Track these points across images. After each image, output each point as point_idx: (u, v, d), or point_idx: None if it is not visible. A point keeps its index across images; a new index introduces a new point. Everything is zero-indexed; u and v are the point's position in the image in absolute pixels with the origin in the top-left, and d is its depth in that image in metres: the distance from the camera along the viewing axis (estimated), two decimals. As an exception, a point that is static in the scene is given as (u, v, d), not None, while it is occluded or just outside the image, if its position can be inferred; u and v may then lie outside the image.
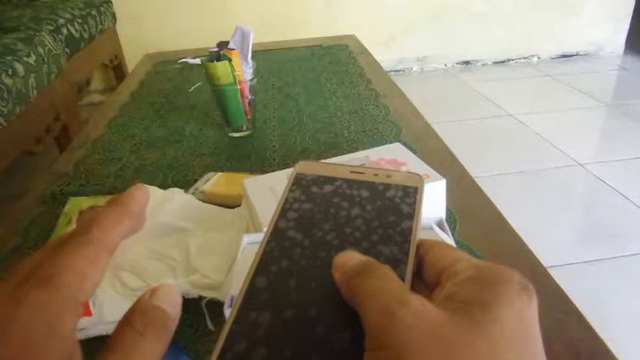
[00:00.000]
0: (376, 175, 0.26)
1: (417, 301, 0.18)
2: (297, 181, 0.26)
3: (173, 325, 0.20)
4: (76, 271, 0.19)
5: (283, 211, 0.25)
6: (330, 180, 0.26)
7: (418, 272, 0.22)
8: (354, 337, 0.19)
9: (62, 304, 0.18)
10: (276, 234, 0.23)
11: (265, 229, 0.24)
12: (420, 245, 0.22)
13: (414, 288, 0.20)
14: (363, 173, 0.26)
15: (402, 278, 0.20)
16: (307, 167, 0.27)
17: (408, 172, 0.26)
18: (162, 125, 0.97)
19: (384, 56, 2.62)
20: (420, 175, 0.25)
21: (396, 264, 0.21)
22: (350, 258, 0.21)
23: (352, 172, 0.26)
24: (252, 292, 0.21)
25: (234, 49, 0.82)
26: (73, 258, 0.19)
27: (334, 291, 0.20)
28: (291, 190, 0.26)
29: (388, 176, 0.26)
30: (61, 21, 1.73)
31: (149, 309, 0.20)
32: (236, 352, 0.18)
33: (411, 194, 0.25)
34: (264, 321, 0.19)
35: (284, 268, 0.22)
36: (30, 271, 0.19)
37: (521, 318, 0.18)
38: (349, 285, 0.20)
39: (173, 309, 0.20)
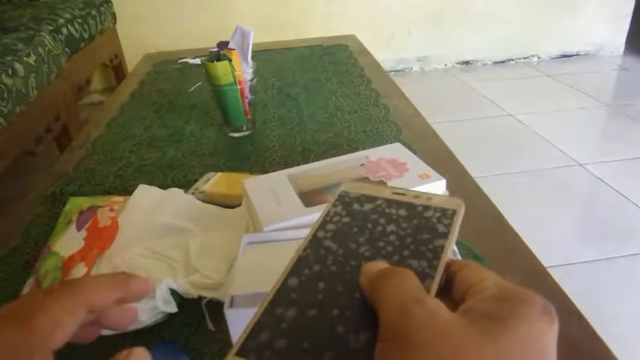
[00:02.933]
0: (417, 197, 0.27)
1: (432, 302, 0.19)
2: (341, 198, 0.28)
3: None
4: (51, 317, 0.20)
5: (323, 223, 0.26)
6: (371, 199, 0.28)
7: (448, 291, 0.22)
8: (369, 339, 0.20)
9: (32, 347, 0.19)
10: (314, 242, 0.25)
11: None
12: (452, 264, 0.23)
13: None
14: (404, 194, 0.28)
15: (427, 290, 0.21)
16: (352, 187, 0.29)
17: (448, 197, 0.27)
18: (162, 125, 0.97)
19: (384, 56, 2.62)
20: (461, 200, 0.27)
21: (423, 277, 0.22)
22: (377, 265, 0.22)
23: (394, 192, 0.28)
24: (283, 290, 0.22)
25: (234, 49, 0.82)
26: (52, 303, 0.20)
27: (359, 297, 0.22)
28: (333, 205, 0.28)
29: (428, 199, 0.27)
30: (61, 21, 1.73)
31: None
32: (259, 340, 0.20)
33: (448, 216, 0.26)
34: (289, 316, 0.21)
35: (315, 271, 0.23)
36: (14, 309, 0.20)
37: (539, 339, 0.18)
38: (372, 285, 0.21)
39: None
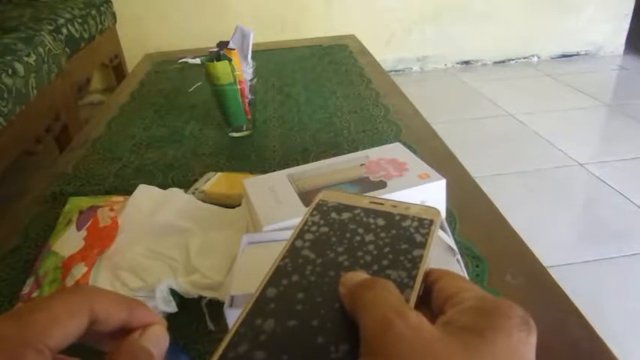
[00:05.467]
0: (395, 206, 0.27)
1: (414, 315, 0.19)
2: (318, 207, 0.28)
3: None
4: (49, 313, 0.19)
5: (301, 233, 0.26)
6: (349, 208, 0.28)
7: (426, 300, 0.22)
8: (350, 350, 0.19)
9: (24, 340, 0.18)
10: (292, 252, 0.25)
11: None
12: (430, 274, 0.23)
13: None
14: (382, 204, 0.28)
15: (407, 301, 0.21)
16: (329, 196, 0.29)
17: (426, 206, 0.27)
18: (162, 125, 0.97)
19: (384, 56, 2.62)
20: (437, 209, 0.26)
21: (402, 287, 0.22)
22: (357, 275, 0.22)
23: (372, 202, 0.28)
24: (261, 300, 0.22)
25: (234, 49, 0.82)
26: (52, 301, 0.20)
27: (338, 307, 0.21)
28: (311, 215, 0.27)
29: (406, 208, 0.27)
30: (61, 21, 1.73)
31: (137, 349, 0.21)
32: (238, 352, 0.20)
33: (425, 225, 0.26)
34: (268, 327, 0.21)
35: (294, 281, 0.23)
36: (17, 307, 0.20)
37: (518, 351, 0.18)
38: (352, 295, 0.21)
39: (159, 351, 0.21)
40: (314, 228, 0.26)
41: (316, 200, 0.29)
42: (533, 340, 0.19)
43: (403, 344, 0.17)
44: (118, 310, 0.22)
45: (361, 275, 0.22)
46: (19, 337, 0.18)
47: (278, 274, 0.24)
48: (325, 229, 0.26)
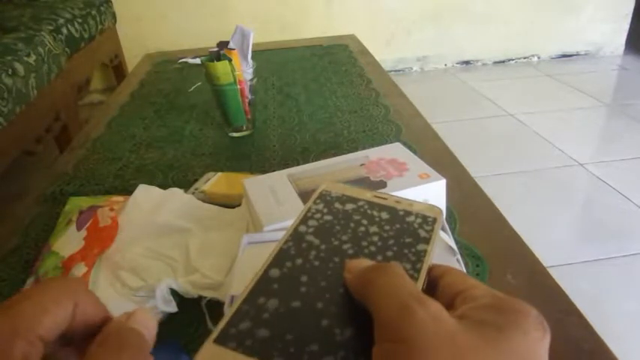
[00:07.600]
0: (398, 202, 0.27)
1: (434, 304, 0.19)
2: (322, 196, 0.28)
3: (148, 349, 0.20)
4: (36, 303, 0.19)
5: (305, 219, 0.26)
6: (353, 199, 0.28)
7: (430, 294, 0.22)
8: (356, 334, 0.19)
9: (14, 331, 0.18)
10: (295, 236, 0.25)
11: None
12: (433, 269, 0.23)
13: None
14: (385, 199, 0.28)
15: None
16: (333, 187, 0.29)
17: (428, 204, 0.27)
18: (162, 125, 0.97)
19: (384, 56, 2.62)
20: (439, 208, 0.27)
21: None
22: (363, 262, 0.22)
23: (375, 196, 0.28)
24: (264, 280, 0.22)
25: (234, 49, 0.82)
26: (37, 291, 0.20)
27: (343, 292, 0.21)
28: (314, 203, 0.27)
29: (410, 205, 0.27)
30: (61, 21, 1.73)
31: (125, 330, 0.20)
32: (240, 328, 0.20)
33: (429, 222, 0.26)
34: (271, 306, 0.21)
35: (298, 264, 0.23)
36: (5, 301, 0.20)
37: (533, 349, 0.18)
38: (361, 279, 0.20)
39: (149, 332, 0.21)
40: (318, 215, 0.26)
41: (319, 190, 0.28)
42: (547, 340, 0.19)
43: (425, 332, 0.17)
44: (96, 311, 0.22)
45: (367, 262, 0.22)
46: (8, 327, 0.18)
47: (281, 256, 0.23)
48: (329, 217, 0.26)
